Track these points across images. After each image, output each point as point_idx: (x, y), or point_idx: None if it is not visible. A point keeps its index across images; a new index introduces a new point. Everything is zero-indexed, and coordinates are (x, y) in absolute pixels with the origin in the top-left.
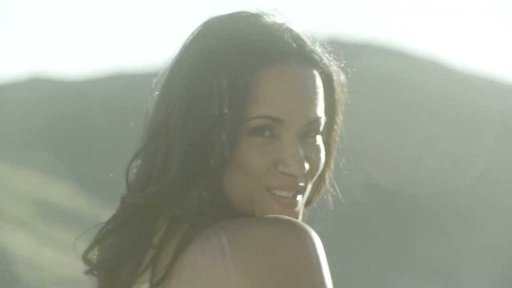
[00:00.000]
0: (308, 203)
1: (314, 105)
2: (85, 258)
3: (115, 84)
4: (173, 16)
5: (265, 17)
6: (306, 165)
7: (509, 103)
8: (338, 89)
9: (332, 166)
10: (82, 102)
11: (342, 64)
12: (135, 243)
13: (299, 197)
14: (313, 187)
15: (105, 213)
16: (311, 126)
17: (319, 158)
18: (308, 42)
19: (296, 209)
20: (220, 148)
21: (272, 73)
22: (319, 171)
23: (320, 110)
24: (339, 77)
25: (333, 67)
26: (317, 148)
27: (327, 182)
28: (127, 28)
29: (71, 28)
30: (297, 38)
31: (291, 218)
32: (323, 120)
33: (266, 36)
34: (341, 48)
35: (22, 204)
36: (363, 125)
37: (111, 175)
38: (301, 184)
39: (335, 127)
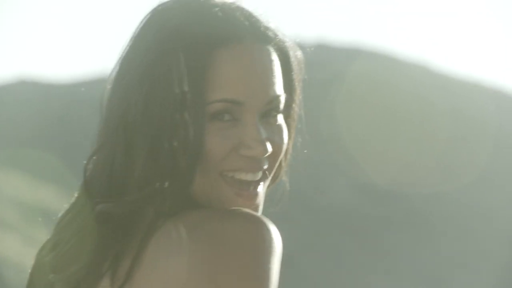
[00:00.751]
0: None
1: (272, 83)
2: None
3: (103, 87)
4: None
5: None
6: (269, 147)
7: (498, 108)
8: (295, 66)
9: (291, 147)
10: (70, 105)
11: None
12: (106, 250)
13: (260, 189)
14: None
15: None
16: (271, 105)
17: (281, 138)
18: (261, 19)
19: (257, 201)
20: (188, 139)
21: (227, 54)
22: (283, 152)
23: (279, 88)
24: (296, 54)
25: (289, 43)
26: (279, 128)
27: (286, 163)
28: (114, 31)
29: (58, 31)
30: (249, 16)
31: (251, 212)
32: (283, 98)
33: (217, 17)
34: (329, 52)
35: (9, 206)
36: (351, 129)
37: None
38: (265, 166)
39: (293, 105)
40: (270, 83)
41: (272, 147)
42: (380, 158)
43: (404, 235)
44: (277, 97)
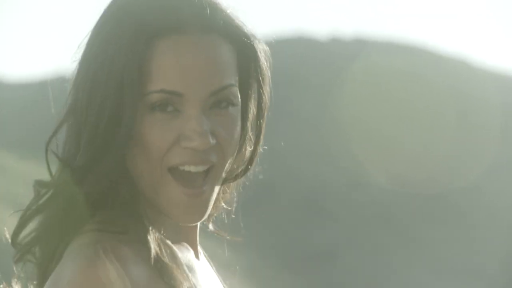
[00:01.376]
0: (233, 179)
1: (217, 75)
2: (15, 243)
3: None
4: None
5: None
6: (211, 139)
7: None
8: (260, 58)
9: (259, 143)
10: None
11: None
12: (55, 228)
13: (208, 184)
14: (239, 164)
15: None
16: (218, 96)
17: (228, 131)
18: (213, 8)
19: (203, 198)
20: (120, 126)
21: (167, 44)
22: (232, 145)
23: (228, 78)
24: (260, 46)
25: (250, 35)
26: (228, 120)
27: (255, 160)
28: None
29: (85, 27)
30: (198, 6)
31: (101, 257)
32: (235, 89)
33: (163, 6)
34: (366, 47)
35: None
36: (386, 123)
37: None
38: (213, 159)
39: (261, 100)
40: (214, 74)
41: (217, 140)
42: (412, 153)
43: (442, 229)
44: (224, 88)
